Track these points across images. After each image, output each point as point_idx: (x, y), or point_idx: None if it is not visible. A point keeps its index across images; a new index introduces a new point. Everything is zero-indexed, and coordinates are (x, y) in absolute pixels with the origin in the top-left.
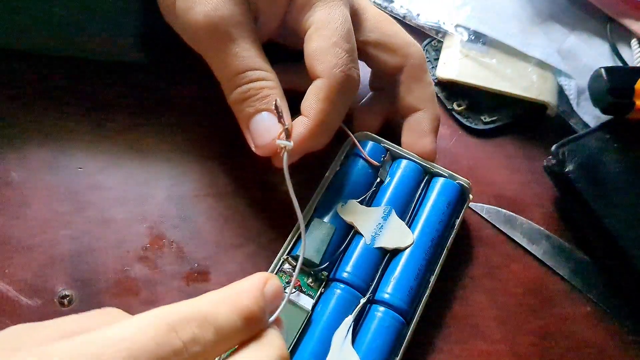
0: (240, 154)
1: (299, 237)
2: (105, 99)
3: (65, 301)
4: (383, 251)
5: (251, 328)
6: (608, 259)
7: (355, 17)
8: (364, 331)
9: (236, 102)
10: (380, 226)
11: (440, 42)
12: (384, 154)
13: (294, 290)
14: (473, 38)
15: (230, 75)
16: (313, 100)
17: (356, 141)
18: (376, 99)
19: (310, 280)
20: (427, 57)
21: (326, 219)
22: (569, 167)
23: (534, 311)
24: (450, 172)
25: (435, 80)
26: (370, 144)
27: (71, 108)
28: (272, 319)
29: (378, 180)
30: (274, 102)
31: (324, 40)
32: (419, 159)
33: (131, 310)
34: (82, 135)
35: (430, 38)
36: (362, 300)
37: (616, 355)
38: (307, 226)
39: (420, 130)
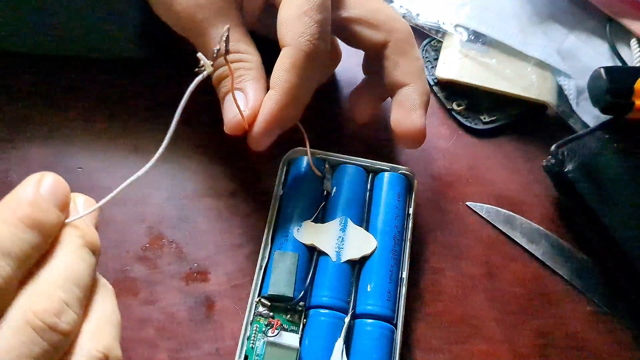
0: (240, 154)
1: (264, 274)
2: (105, 100)
3: None
4: (351, 263)
5: (46, 233)
6: (608, 259)
7: None
8: (357, 349)
9: (215, 82)
10: (341, 239)
11: (440, 42)
12: (322, 165)
13: (275, 331)
14: (472, 38)
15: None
16: (278, 70)
17: (306, 138)
18: (370, 83)
19: (288, 315)
20: (426, 57)
21: (286, 249)
22: (569, 167)
23: (533, 311)
24: (390, 164)
25: (435, 80)
26: (305, 159)
27: (71, 108)
28: (72, 219)
29: (324, 192)
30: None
31: (294, 9)
32: (358, 160)
33: (131, 310)
34: (82, 135)
35: (429, 38)
36: (347, 319)
37: (615, 355)
38: (268, 261)
39: (408, 106)
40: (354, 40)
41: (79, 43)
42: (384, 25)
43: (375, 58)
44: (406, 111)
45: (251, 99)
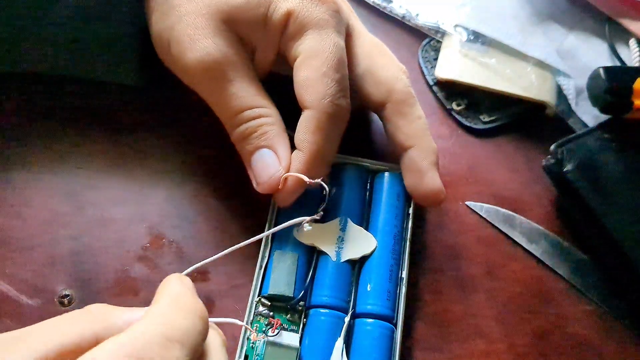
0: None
1: (264, 274)
2: (105, 100)
3: (66, 301)
4: (351, 263)
5: (206, 327)
6: (607, 258)
7: (349, 42)
8: (357, 348)
9: (237, 140)
10: (341, 239)
11: (440, 42)
12: None
13: (276, 330)
14: (472, 38)
15: (230, 116)
16: (304, 132)
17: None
18: None
19: (289, 315)
20: (426, 57)
21: (286, 248)
22: (568, 167)
23: (533, 311)
24: (390, 164)
25: (435, 81)
26: None
27: (71, 107)
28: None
29: (324, 193)
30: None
31: (312, 70)
32: (358, 160)
33: None
34: (82, 136)
35: (429, 38)
36: (347, 319)
37: (615, 355)
38: (268, 261)
39: (417, 170)
40: (355, 94)
41: (80, 68)
42: (384, 84)
43: (378, 115)
44: (417, 176)
45: (282, 156)
